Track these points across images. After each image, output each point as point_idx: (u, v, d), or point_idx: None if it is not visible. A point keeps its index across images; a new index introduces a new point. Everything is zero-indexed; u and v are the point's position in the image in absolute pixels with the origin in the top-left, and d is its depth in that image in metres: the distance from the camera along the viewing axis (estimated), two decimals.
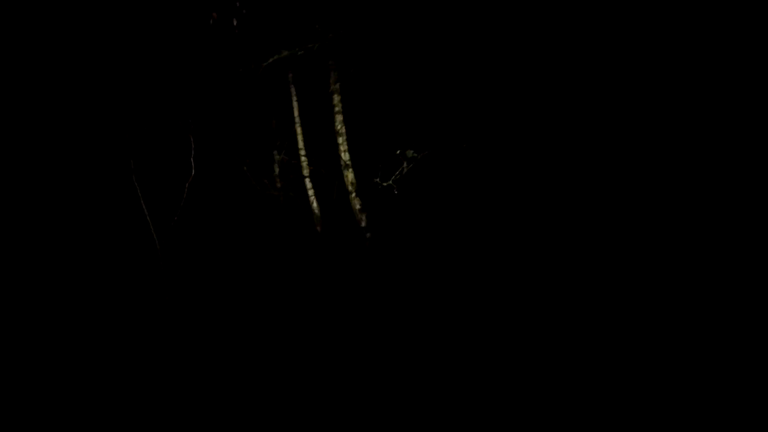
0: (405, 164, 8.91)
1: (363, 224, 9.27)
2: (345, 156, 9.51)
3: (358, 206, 9.31)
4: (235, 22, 10.31)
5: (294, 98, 10.58)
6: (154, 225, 5.21)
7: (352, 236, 9.87)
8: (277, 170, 11.41)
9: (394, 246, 9.18)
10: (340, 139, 9.51)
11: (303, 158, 10.64)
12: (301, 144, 10.70)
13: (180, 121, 10.14)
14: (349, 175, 9.46)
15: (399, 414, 4.40)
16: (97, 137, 9.51)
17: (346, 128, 9.62)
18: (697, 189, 6.79)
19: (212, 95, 10.89)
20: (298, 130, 10.70)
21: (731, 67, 6.73)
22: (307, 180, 10.71)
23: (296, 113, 10.57)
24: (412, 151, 8.65)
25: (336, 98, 9.52)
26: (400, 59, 9.65)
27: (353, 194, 9.40)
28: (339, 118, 9.52)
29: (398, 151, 8.89)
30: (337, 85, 9.58)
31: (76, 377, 5.34)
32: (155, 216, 5.73)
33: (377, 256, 9.06)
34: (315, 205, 10.67)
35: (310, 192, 10.73)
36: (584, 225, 7.97)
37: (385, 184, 9.01)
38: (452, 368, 5.05)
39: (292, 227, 10.81)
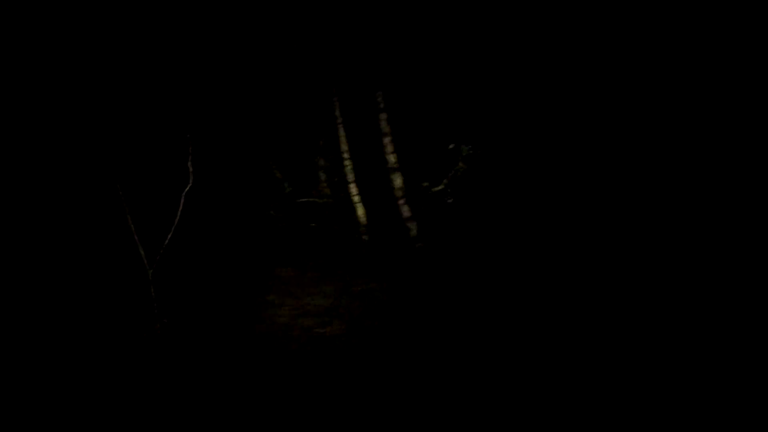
0: (460, 164, 7.96)
1: (413, 233, 8.39)
2: (392, 158, 8.67)
3: (407, 213, 8.44)
4: None
5: (335, 97, 9.81)
6: (144, 243, 4.51)
7: (401, 246, 9.01)
8: (323, 176, 10.60)
9: (449, 258, 8.27)
10: (386, 140, 8.67)
11: (347, 162, 9.85)
12: (344, 146, 9.90)
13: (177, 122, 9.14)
14: (397, 180, 8.61)
15: None
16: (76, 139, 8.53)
17: (392, 128, 8.78)
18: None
19: (225, 92, 9.96)
20: (341, 131, 9.92)
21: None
22: (352, 185, 9.91)
23: (338, 112, 9.79)
24: (467, 147, 7.60)
25: (380, 96, 8.69)
26: (451, 49, 8.74)
27: (401, 200, 8.54)
28: (383, 116, 8.68)
29: (451, 146, 7.83)
30: (381, 81, 8.76)
31: None
32: (145, 231, 4.96)
33: (429, 270, 8.17)
34: (360, 212, 9.85)
35: (356, 198, 9.92)
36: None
37: (435, 189, 8.12)
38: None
39: (335, 236, 10.03)
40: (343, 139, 9.93)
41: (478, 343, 5.52)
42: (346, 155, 9.87)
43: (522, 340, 5.46)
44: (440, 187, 8.40)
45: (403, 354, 5.53)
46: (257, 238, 10.15)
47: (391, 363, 5.36)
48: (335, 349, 5.67)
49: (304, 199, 9.84)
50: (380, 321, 6.45)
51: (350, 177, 9.93)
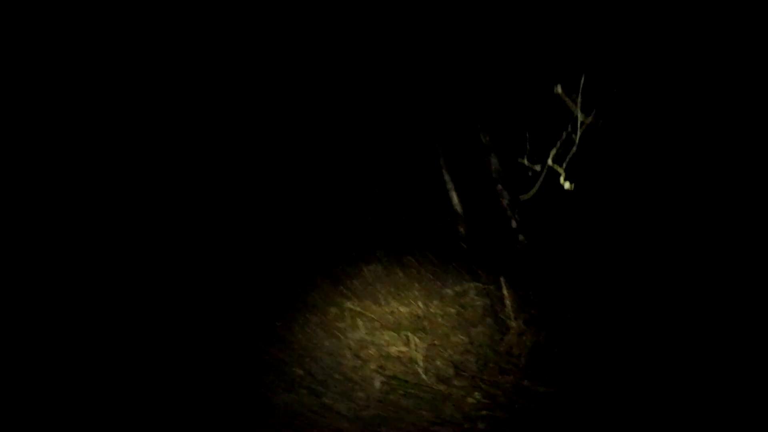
0: (577, 125, 5.96)
1: (514, 224, 7.09)
2: (485, 137, 7.40)
3: (506, 201, 7.15)
4: None
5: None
6: None
7: (502, 240, 7.72)
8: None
9: (557, 256, 6.87)
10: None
11: (437, 144, 8.68)
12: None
13: None
14: (493, 161, 7.33)
15: None
16: None
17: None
18: None
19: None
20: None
21: None
22: (444, 171, 8.74)
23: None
24: (574, 98, 5.21)
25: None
26: None
27: (499, 185, 7.25)
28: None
29: (559, 89, 5.29)
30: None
31: None
32: None
33: (532, 266, 6.84)
34: (456, 201, 8.66)
35: (449, 185, 8.74)
36: None
37: (537, 167, 6.65)
38: None
39: (428, 229, 8.92)
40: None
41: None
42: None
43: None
44: (546, 167, 6.95)
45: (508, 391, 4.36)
46: (342, 230, 9.28)
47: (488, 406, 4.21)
48: (409, 380, 4.59)
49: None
50: (473, 336, 5.28)
51: (442, 161, 8.76)
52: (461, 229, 8.63)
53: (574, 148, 3.95)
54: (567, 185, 4.82)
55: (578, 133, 4.01)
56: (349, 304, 6.76)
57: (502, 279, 6.01)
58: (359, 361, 5.04)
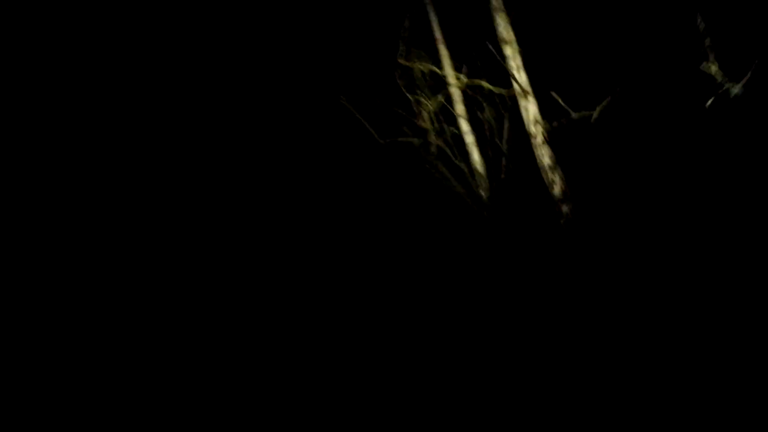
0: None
1: (556, 190, 5.52)
2: (520, 76, 5.74)
3: (547, 161, 5.56)
4: None
5: None
6: None
7: (538, 209, 6.17)
8: (431, 106, 7.58)
9: (609, 231, 5.36)
10: (509, 50, 5.74)
11: (453, 87, 7.05)
12: (448, 68, 7.09)
13: None
14: (530, 108, 5.71)
15: None
16: None
17: (516, 34, 5.82)
18: None
19: None
20: (442, 49, 7.08)
21: None
22: (463, 121, 7.13)
23: (432, 16, 6.94)
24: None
25: None
26: None
27: (538, 139, 5.65)
28: (502, 17, 5.73)
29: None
30: None
31: None
32: None
33: (579, 245, 5.36)
34: (476, 157, 7.08)
35: (468, 138, 7.15)
36: None
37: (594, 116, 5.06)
38: None
39: (439, 193, 7.32)
40: (444, 55, 7.10)
41: None
42: (451, 78, 7.05)
43: None
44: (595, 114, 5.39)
45: None
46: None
47: None
48: None
49: (392, 139, 7.18)
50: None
51: (459, 109, 7.13)
52: (482, 193, 7.09)
53: None
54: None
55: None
56: None
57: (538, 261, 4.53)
58: None
